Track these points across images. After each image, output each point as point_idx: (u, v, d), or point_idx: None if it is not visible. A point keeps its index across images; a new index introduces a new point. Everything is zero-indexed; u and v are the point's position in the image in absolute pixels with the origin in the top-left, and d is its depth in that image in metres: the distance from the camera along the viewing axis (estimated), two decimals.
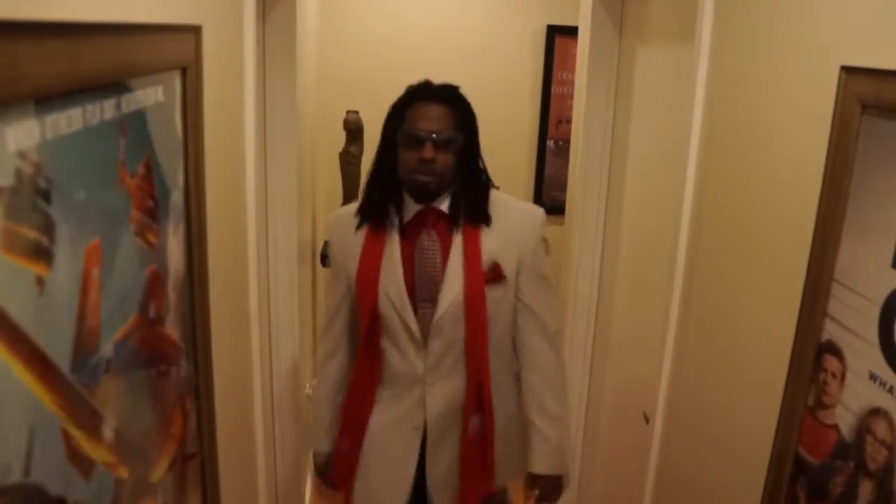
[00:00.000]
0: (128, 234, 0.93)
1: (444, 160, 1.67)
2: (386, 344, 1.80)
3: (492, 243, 1.75)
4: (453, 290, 1.73)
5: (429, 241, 1.76)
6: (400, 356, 1.80)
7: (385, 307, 1.75)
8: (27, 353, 0.66)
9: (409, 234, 1.76)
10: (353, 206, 1.84)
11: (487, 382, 1.77)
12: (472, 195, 1.76)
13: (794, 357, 1.25)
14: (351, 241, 1.79)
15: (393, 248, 1.75)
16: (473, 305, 1.73)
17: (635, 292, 2.49)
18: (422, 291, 1.76)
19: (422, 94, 1.72)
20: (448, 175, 1.71)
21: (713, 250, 1.67)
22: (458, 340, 1.76)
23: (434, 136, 1.66)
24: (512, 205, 1.82)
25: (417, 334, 1.76)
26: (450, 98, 1.71)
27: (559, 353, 1.90)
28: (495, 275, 1.75)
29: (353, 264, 1.78)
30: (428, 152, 1.65)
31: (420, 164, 1.66)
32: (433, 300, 1.75)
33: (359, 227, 1.79)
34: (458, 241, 1.74)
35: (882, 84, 1.05)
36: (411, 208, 1.76)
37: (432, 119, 1.67)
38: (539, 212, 1.85)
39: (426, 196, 1.74)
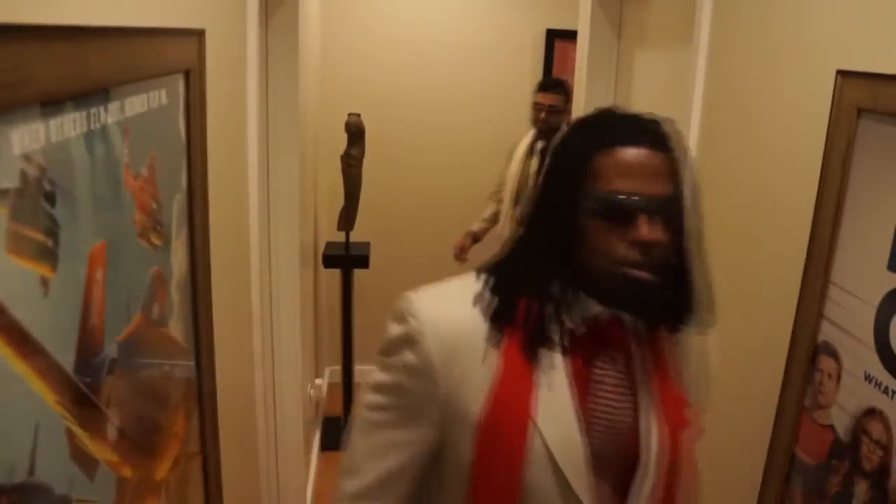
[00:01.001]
0: (132, 235, 0.94)
1: (668, 243, 0.99)
2: None
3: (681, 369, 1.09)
4: (654, 456, 1.03)
5: (614, 369, 1.05)
6: None
7: (540, 476, 0.99)
8: (32, 353, 0.67)
9: (579, 355, 1.03)
10: (464, 289, 1.06)
11: None
12: (680, 290, 1.03)
13: (791, 358, 1.26)
14: (470, 351, 1.01)
15: (556, 377, 1.01)
16: (674, 478, 1.06)
17: None
18: (596, 452, 1.02)
19: (627, 133, 0.99)
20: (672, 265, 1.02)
21: (710, 252, 1.67)
22: None
23: (661, 206, 0.97)
24: None
25: None
26: (669, 142, 1.00)
27: None
28: (698, 425, 1.09)
29: (469, 393, 1.01)
30: (652, 233, 0.96)
31: (638, 251, 0.97)
32: (614, 468, 1.04)
33: (489, 334, 1.02)
34: (646, 364, 1.06)
35: (878, 88, 1.06)
36: (589, 311, 1.02)
37: (653, 177, 0.97)
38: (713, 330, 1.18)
39: (633, 300, 1.01)
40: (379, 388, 1.07)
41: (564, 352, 1.02)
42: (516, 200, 3.47)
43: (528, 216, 1.07)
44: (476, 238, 3.71)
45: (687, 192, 1.00)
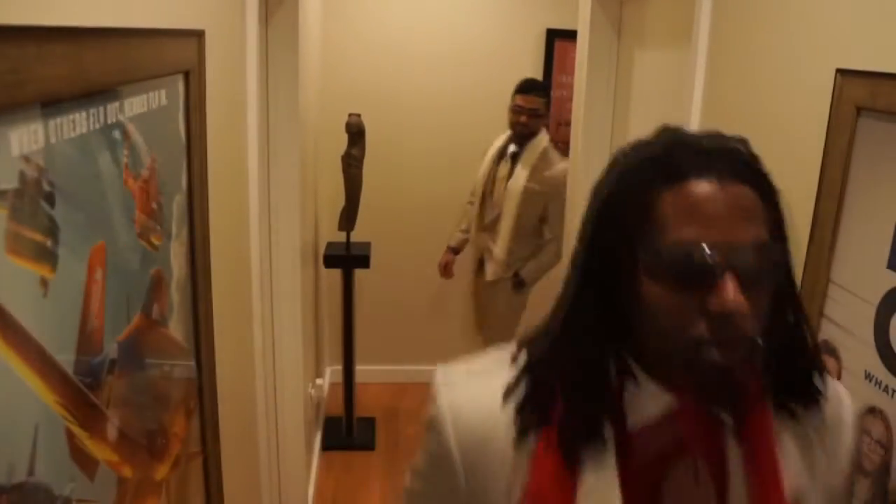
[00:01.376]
0: (131, 236, 0.94)
1: (759, 307, 0.72)
2: None
3: (792, 466, 0.80)
4: None
5: (689, 476, 0.79)
6: None
7: None
8: (31, 354, 0.67)
9: (639, 459, 0.79)
10: (500, 367, 0.84)
11: None
12: (784, 361, 0.80)
13: None
14: (498, 448, 0.80)
15: (604, 489, 0.76)
16: None
17: None
18: None
19: (699, 161, 0.73)
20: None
21: None
22: None
23: (751, 259, 0.70)
24: None
25: None
26: (755, 168, 0.76)
27: None
28: None
29: (498, 501, 0.81)
30: (739, 298, 0.69)
31: (719, 324, 0.69)
32: None
33: (520, 430, 0.80)
34: (736, 466, 0.79)
35: (877, 87, 1.06)
36: (653, 401, 0.79)
37: (737, 219, 0.71)
38: (846, 395, 0.87)
39: (712, 390, 0.77)
40: (413, 472, 0.93)
41: (618, 455, 0.77)
42: (481, 205, 3.43)
43: (570, 276, 0.83)
44: (456, 251, 3.68)
45: (785, 233, 0.76)
